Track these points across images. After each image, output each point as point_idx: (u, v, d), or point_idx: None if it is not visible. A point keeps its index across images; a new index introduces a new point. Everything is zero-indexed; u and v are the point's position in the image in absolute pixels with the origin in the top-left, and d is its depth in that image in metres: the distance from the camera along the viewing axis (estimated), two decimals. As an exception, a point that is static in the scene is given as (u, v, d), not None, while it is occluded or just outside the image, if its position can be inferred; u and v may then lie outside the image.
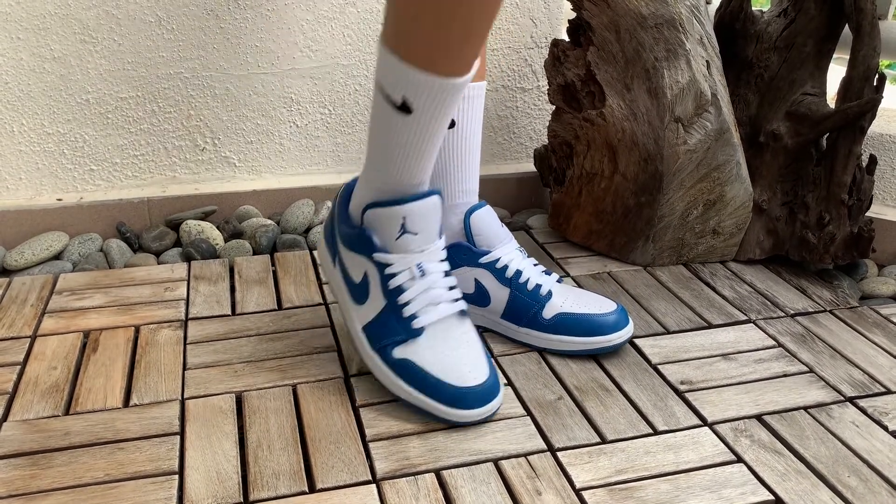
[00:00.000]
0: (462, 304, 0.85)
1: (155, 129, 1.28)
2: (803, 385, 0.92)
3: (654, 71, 1.11)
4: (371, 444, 0.79)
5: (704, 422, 0.85)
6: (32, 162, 1.24)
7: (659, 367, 0.94)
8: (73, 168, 1.26)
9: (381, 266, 0.82)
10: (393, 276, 0.82)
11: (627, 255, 1.21)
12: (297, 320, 1.02)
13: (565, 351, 0.95)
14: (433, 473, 0.75)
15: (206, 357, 0.93)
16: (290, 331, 0.99)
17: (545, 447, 0.80)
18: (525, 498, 0.73)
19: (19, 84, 1.20)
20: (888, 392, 0.91)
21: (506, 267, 0.96)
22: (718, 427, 0.84)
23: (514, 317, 0.96)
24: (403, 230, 0.81)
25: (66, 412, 0.83)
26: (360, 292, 0.85)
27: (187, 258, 1.19)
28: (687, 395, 0.89)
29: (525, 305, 0.95)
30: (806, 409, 0.88)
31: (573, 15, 1.21)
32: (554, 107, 1.28)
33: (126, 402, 0.85)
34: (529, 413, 0.85)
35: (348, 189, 0.88)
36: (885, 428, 0.85)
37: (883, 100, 1.14)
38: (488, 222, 0.97)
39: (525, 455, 0.78)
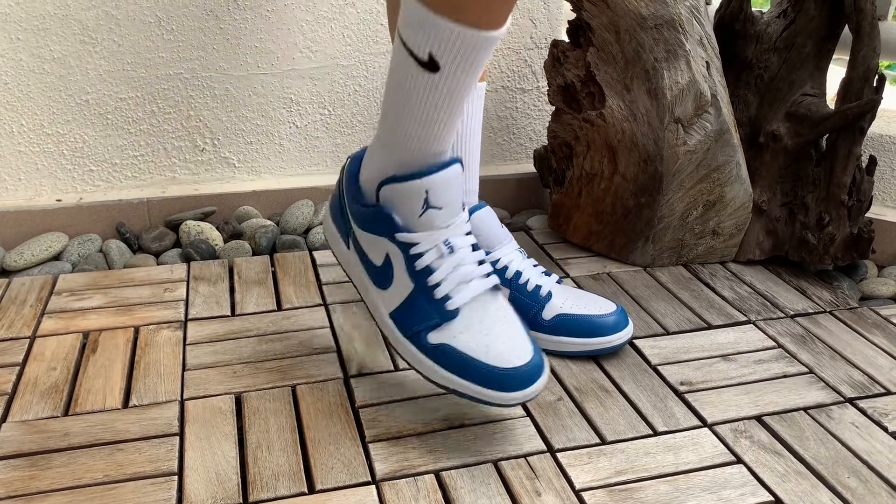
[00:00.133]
0: (495, 279, 0.78)
1: (154, 130, 1.28)
2: (803, 386, 0.92)
3: (654, 72, 1.11)
4: (370, 445, 0.79)
5: (704, 423, 0.85)
6: (32, 162, 1.24)
7: (659, 367, 0.94)
8: (72, 169, 1.26)
9: (406, 246, 0.76)
10: (419, 255, 0.76)
11: (627, 255, 1.21)
12: (297, 321, 1.02)
13: (565, 352, 0.95)
14: (433, 474, 0.75)
15: (205, 358, 0.93)
16: (289, 331, 0.99)
17: (545, 448, 0.80)
18: (525, 499, 0.73)
19: (19, 85, 1.20)
20: (888, 393, 0.91)
21: (505, 268, 0.96)
22: (718, 428, 0.84)
23: (513, 317, 0.96)
24: (427, 205, 0.74)
25: (66, 413, 0.83)
26: (382, 276, 0.79)
27: (187, 259, 1.19)
28: (687, 395, 0.89)
29: (525, 306, 0.95)
30: (806, 410, 0.88)
31: (573, 16, 1.21)
32: (554, 108, 1.28)
33: (125, 403, 0.85)
34: (529, 414, 0.85)
35: (356, 161, 0.81)
36: (885, 429, 0.85)
37: (882, 100, 1.14)
38: (488, 223, 0.97)
39: (525, 456, 0.78)
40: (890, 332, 1.04)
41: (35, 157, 1.24)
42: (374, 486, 0.74)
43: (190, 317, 1.02)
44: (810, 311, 1.09)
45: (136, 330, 0.98)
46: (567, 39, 1.24)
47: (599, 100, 1.19)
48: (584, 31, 1.18)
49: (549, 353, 0.96)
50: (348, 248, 0.83)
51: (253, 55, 1.28)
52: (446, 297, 0.76)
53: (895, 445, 0.82)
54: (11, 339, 0.96)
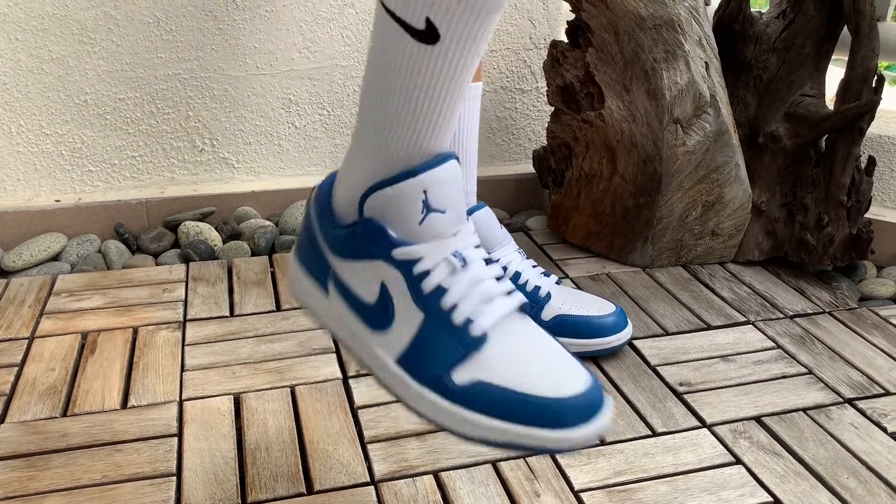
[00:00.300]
0: (521, 297, 0.64)
1: (153, 131, 1.28)
2: (802, 386, 0.92)
3: (653, 72, 1.11)
4: (369, 446, 0.79)
5: (703, 423, 0.85)
6: (30, 163, 1.24)
7: (658, 368, 0.94)
8: (71, 169, 1.26)
9: (407, 265, 0.61)
10: (426, 274, 0.61)
11: (626, 256, 1.21)
12: (296, 322, 1.01)
13: (564, 352, 0.95)
14: (431, 475, 0.75)
15: (204, 358, 0.93)
16: (288, 332, 0.99)
17: (544, 449, 0.80)
18: (524, 500, 0.73)
19: (17, 85, 1.20)
20: (887, 393, 0.91)
21: (505, 268, 0.96)
22: (717, 429, 0.84)
23: (512, 318, 0.96)
24: (427, 209, 0.60)
25: (64, 414, 0.83)
26: (379, 315, 0.63)
27: (185, 259, 1.19)
28: (686, 396, 0.89)
29: (524, 307, 0.95)
30: (805, 410, 0.88)
31: (572, 16, 1.21)
32: (553, 108, 1.28)
33: (124, 404, 0.85)
34: (528, 415, 0.85)
35: (323, 190, 0.67)
36: (884, 429, 0.85)
37: (881, 101, 1.14)
38: (487, 224, 0.97)
39: (524, 456, 0.78)
40: (889, 332, 1.04)
41: (34, 158, 1.24)
42: (372, 487, 0.73)
43: (189, 317, 1.02)
44: (809, 311, 1.09)
45: (135, 330, 0.98)
46: (566, 40, 1.24)
47: (598, 100, 1.19)
48: (584, 31, 1.18)
49: (549, 353, 0.95)
50: (326, 295, 0.66)
51: (252, 56, 1.28)
52: (468, 322, 0.60)
53: (894, 446, 0.82)
54: (10, 339, 0.96)
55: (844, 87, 1.15)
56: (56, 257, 1.19)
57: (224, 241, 1.24)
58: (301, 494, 0.72)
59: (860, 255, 1.15)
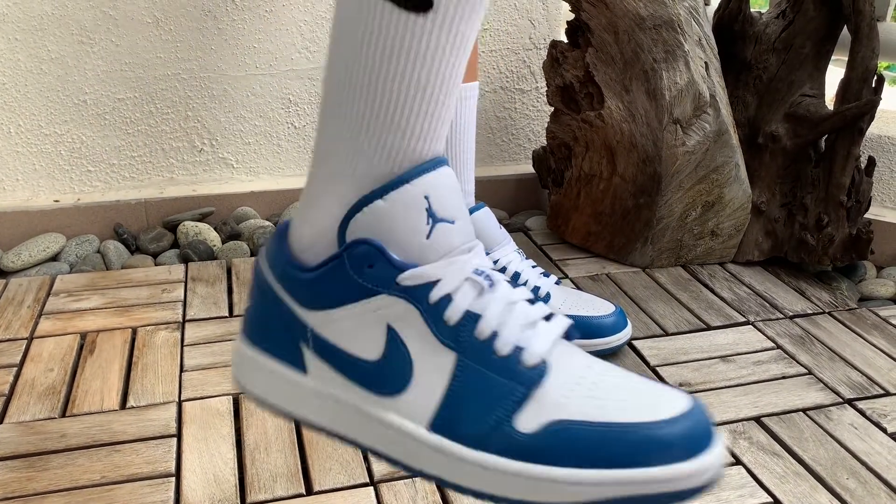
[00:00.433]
0: (565, 319, 0.50)
1: (152, 131, 1.28)
2: (802, 387, 0.92)
3: (653, 72, 1.11)
4: (369, 447, 0.79)
5: (703, 424, 0.84)
6: (29, 163, 1.24)
7: (657, 368, 0.94)
8: (70, 169, 1.26)
9: (420, 293, 0.47)
10: (448, 300, 0.47)
11: (626, 256, 1.21)
12: (295, 322, 1.01)
13: (564, 353, 0.95)
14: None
15: (203, 359, 0.93)
16: (287, 332, 0.99)
17: (543, 449, 0.79)
18: (523, 500, 0.72)
19: (16, 85, 1.20)
20: (887, 394, 0.91)
21: (504, 269, 0.96)
22: (717, 429, 0.84)
23: (512, 318, 0.95)
24: (433, 218, 0.47)
25: (63, 414, 0.83)
26: (388, 371, 0.47)
27: (185, 259, 1.18)
28: (685, 397, 0.89)
29: (523, 307, 0.94)
30: (804, 411, 0.87)
31: (572, 16, 1.21)
32: (552, 108, 1.28)
33: (123, 405, 0.84)
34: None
35: (276, 243, 0.51)
36: (884, 430, 0.85)
37: (881, 101, 1.14)
38: (486, 224, 0.96)
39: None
40: (889, 332, 1.04)
41: (33, 158, 1.24)
42: (372, 488, 0.73)
43: (188, 318, 1.02)
44: (809, 312, 1.09)
45: (134, 331, 0.98)
46: (566, 40, 1.24)
47: (598, 100, 1.19)
48: (583, 31, 1.18)
49: (548, 354, 0.95)
50: (306, 373, 0.50)
51: (251, 55, 1.28)
52: (517, 350, 0.46)
53: (894, 446, 0.82)
54: (9, 340, 0.96)
55: (844, 87, 1.15)
56: (55, 257, 1.19)
57: (223, 242, 1.24)
58: (300, 495, 0.72)
59: (860, 256, 1.15)
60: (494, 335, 0.46)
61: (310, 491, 0.73)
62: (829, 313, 1.09)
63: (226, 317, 1.02)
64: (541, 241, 1.30)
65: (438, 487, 0.74)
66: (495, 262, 0.96)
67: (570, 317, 0.94)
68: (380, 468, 0.76)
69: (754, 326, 1.05)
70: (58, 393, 0.86)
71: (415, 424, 0.47)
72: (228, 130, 1.31)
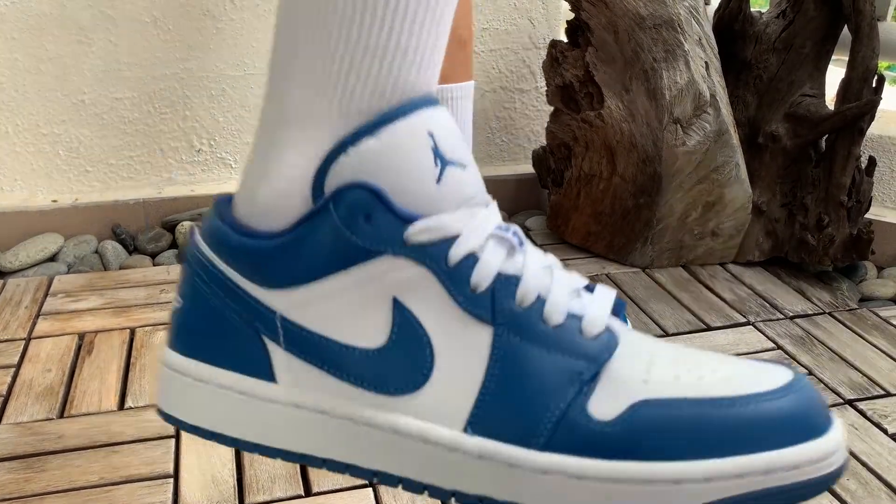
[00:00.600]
0: (611, 291, 0.40)
1: (151, 130, 1.27)
2: (803, 387, 0.91)
3: (653, 72, 1.11)
4: (368, 448, 0.78)
5: (704, 425, 0.84)
6: (27, 163, 1.24)
7: (658, 369, 0.94)
8: (68, 169, 1.26)
9: (435, 253, 0.35)
10: (473, 260, 0.36)
11: (626, 256, 1.21)
12: (294, 322, 1.01)
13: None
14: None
15: (201, 359, 0.92)
16: (286, 333, 0.98)
17: (543, 450, 0.79)
18: None
19: (14, 85, 1.20)
20: (887, 395, 0.91)
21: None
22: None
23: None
24: (442, 160, 0.36)
25: (61, 415, 0.82)
26: (398, 363, 0.36)
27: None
28: (686, 397, 0.89)
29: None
30: (805, 411, 0.87)
31: (571, 16, 1.21)
32: (552, 108, 1.28)
33: (121, 405, 0.84)
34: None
35: (216, 218, 0.38)
36: (885, 431, 0.84)
37: (882, 101, 1.14)
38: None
39: None
40: (889, 333, 1.04)
41: (31, 158, 1.24)
42: (371, 489, 0.73)
43: (186, 318, 1.01)
44: (810, 312, 1.09)
45: (132, 331, 0.98)
46: (566, 39, 1.23)
47: (598, 100, 1.19)
48: (583, 31, 1.17)
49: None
50: (274, 379, 0.38)
51: (250, 55, 1.27)
52: (573, 319, 0.36)
53: (895, 447, 0.82)
54: (7, 340, 0.95)
55: (845, 87, 1.15)
56: (53, 258, 1.18)
57: (222, 242, 1.24)
58: (299, 496, 0.72)
59: (860, 256, 1.15)
60: (540, 301, 0.36)
61: (308, 492, 0.73)
62: (830, 314, 1.09)
63: (224, 317, 1.02)
64: (540, 241, 1.29)
65: (438, 489, 0.74)
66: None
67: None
68: (379, 469, 0.75)
69: (755, 327, 1.04)
70: (56, 394, 0.85)
71: (445, 428, 0.35)
72: (227, 130, 1.31)
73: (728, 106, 1.17)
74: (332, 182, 0.35)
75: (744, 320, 1.06)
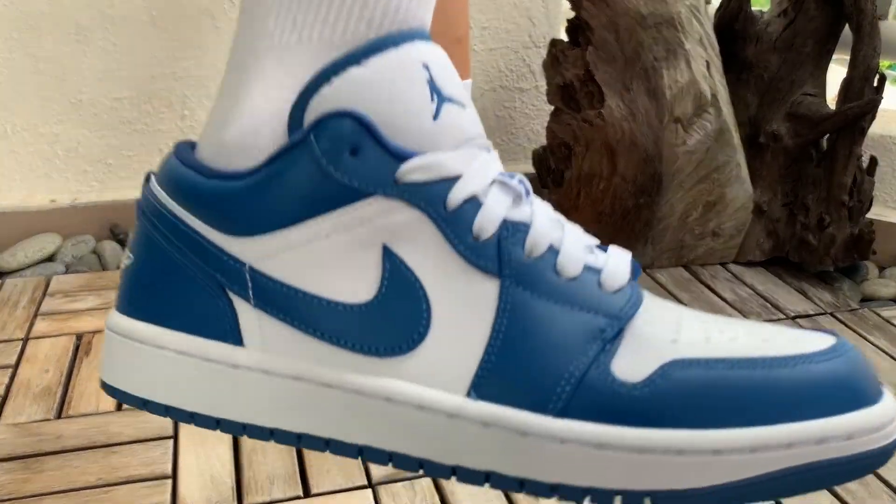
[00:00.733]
0: (625, 251, 0.36)
1: (149, 130, 1.27)
2: (804, 388, 0.91)
3: (654, 71, 1.11)
4: (368, 448, 0.78)
5: (705, 425, 0.84)
6: (25, 163, 1.23)
7: (659, 369, 0.94)
8: (66, 169, 1.25)
9: (432, 195, 0.31)
10: (476, 205, 0.32)
11: (626, 256, 1.21)
12: (293, 322, 1.01)
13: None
14: (430, 478, 0.75)
15: (200, 360, 0.92)
16: (285, 333, 0.98)
17: (544, 451, 0.79)
18: (524, 502, 0.72)
19: (12, 84, 1.19)
20: (890, 395, 0.91)
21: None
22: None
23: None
24: (438, 95, 0.32)
25: (59, 415, 0.82)
26: (389, 320, 0.32)
27: (182, 260, 1.18)
28: (687, 398, 0.88)
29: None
30: (807, 412, 0.87)
31: (572, 14, 1.21)
32: (552, 107, 1.28)
33: (119, 406, 0.84)
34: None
35: (176, 161, 0.34)
36: (888, 431, 0.84)
37: (883, 100, 1.14)
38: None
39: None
40: (891, 333, 1.04)
41: (29, 158, 1.23)
42: (370, 490, 0.73)
43: (185, 318, 1.01)
44: (811, 312, 1.09)
45: (131, 331, 0.98)
46: (566, 38, 1.23)
47: (598, 99, 1.19)
48: (584, 30, 1.17)
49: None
50: (241, 341, 0.33)
51: (249, 54, 1.27)
52: (591, 271, 0.32)
53: (898, 448, 0.82)
54: (4, 340, 0.95)
55: (846, 86, 1.15)
56: (51, 258, 1.18)
57: (221, 242, 1.24)
58: (298, 497, 0.72)
59: (862, 256, 1.15)
60: (553, 252, 0.31)
61: (307, 493, 0.72)
62: (831, 314, 1.09)
63: (223, 317, 1.02)
64: (540, 241, 1.29)
65: (439, 489, 0.73)
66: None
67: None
68: (378, 470, 0.75)
69: (756, 327, 1.04)
70: (53, 394, 0.85)
71: (444, 392, 0.31)
72: (226, 130, 1.31)
73: (729, 105, 1.16)
74: (312, 115, 0.31)
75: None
